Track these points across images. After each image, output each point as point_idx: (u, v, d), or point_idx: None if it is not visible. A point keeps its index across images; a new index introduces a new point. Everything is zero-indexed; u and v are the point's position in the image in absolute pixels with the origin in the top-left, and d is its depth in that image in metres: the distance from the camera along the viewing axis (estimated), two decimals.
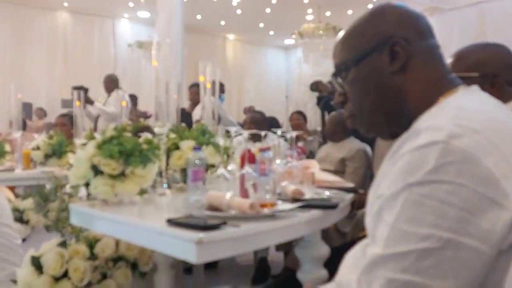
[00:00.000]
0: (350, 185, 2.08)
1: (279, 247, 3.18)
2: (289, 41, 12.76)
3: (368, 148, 3.18)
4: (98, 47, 11.08)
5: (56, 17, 10.60)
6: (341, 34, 1.06)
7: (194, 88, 5.43)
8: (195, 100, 5.45)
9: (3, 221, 2.18)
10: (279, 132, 2.10)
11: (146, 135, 1.81)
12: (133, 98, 7.42)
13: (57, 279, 1.66)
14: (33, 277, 1.65)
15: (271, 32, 12.47)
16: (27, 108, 8.69)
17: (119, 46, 11.31)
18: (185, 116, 4.94)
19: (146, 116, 7.11)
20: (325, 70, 10.20)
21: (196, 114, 5.02)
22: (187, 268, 2.84)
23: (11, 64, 9.92)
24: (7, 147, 3.45)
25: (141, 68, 11.19)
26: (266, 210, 1.42)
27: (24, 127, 4.99)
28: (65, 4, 10.35)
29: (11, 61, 9.95)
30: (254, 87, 13.09)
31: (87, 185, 1.63)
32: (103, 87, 5.91)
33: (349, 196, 1.89)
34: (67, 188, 2.24)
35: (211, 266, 3.51)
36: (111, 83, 5.84)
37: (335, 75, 1.06)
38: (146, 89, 10.15)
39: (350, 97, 1.04)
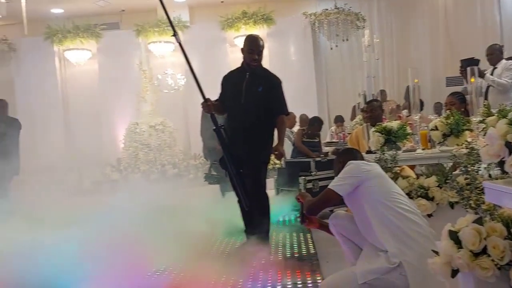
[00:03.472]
0: None
1: None
2: None
3: None
4: (481, 17, 10.49)
5: None
6: None
7: None
8: None
9: (395, 190, 2.52)
10: None
11: None
12: None
13: (476, 254, 1.73)
14: (453, 250, 1.78)
15: None
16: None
17: (505, 11, 10.36)
18: None
19: None
20: None
21: None
22: None
23: (397, 50, 10.72)
24: (408, 129, 3.78)
25: None
26: None
27: (421, 108, 5.30)
28: None
29: (397, 46, 10.74)
30: None
31: (501, 163, 1.62)
32: (486, 59, 5.57)
33: None
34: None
35: None
36: (496, 53, 5.45)
37: None
38: None
39: None
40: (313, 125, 6.87)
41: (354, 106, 8.55)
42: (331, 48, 9.96)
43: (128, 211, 3.77)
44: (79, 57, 10.15)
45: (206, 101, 3.81)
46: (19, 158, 6.06)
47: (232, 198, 4.01)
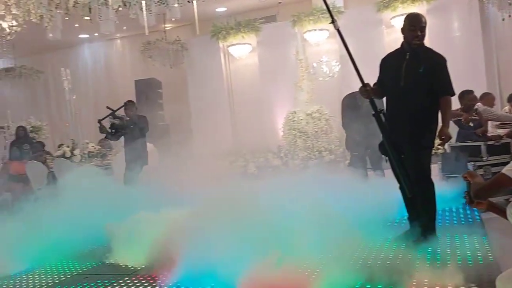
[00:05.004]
0: None
1: None
2: None
3: None
4: None
5: None
6: None
7: None
8: None
9: None
10: None
11: None
12: None
13: None
14: None
15: None
16: None
17: None
18: None
19: None
20: None
21: None
22: None
23: None
24: None
25: None
26: None
27: None
28: None
29: None
30: None
31: None
32: None
33: None
34: None
35: None
36: None
37: None
38: None
39: None
40: (463, 97, 5.87)
41: None
42: (503, 19, 8.90)
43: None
44: (241, 51, 10.85)
45: (365, 86, 3.78)
46: (147, 150, 6.83)
47: (393, 184, 3.93)
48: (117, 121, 6.76)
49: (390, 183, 4.01)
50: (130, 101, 7.01)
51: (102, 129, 6.81)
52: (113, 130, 6.75)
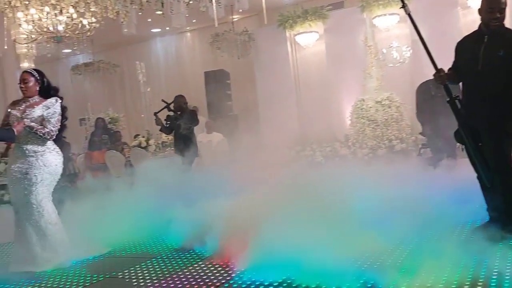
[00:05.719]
0: None
1: None
2: None
3: None
4: None
5: None
6: None
7: None
8: None
9: None
10: None
11: None
12: None
13: None
14: None
15: None
16: None
17: None
18: None
19: None
20: None
21: None
22: None
23: None
24: None
25: None
26: None
27: None
28: None
29: None
30: None
31: None
32: None
33: None
34: None
35: None
36: None
37: None
38: None
39: None
40: None
41: None
42: None
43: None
44: (308, 39, 10.76)
45: (438, 71, 3.64)
46: (196, 143, 6.96)
47: (470, 174, 3.75)
48: (171, 113, 7.00)
49: (467, 172, 3.85)
50: (180, 95, 7.23)
51: (157, 121, 7.06)
52: (168, 123, 7.00)
